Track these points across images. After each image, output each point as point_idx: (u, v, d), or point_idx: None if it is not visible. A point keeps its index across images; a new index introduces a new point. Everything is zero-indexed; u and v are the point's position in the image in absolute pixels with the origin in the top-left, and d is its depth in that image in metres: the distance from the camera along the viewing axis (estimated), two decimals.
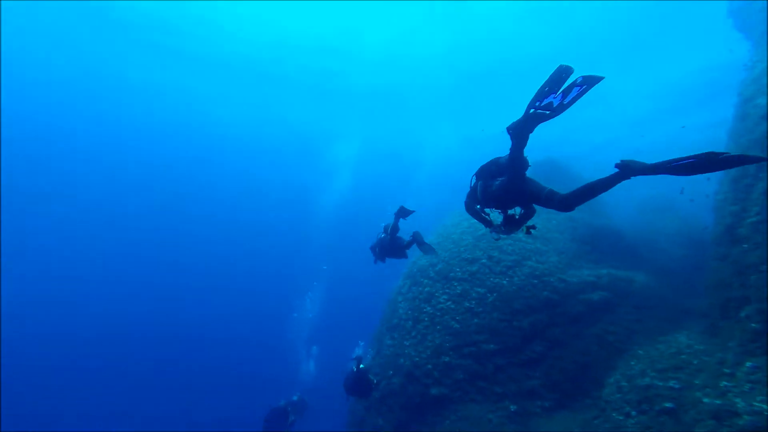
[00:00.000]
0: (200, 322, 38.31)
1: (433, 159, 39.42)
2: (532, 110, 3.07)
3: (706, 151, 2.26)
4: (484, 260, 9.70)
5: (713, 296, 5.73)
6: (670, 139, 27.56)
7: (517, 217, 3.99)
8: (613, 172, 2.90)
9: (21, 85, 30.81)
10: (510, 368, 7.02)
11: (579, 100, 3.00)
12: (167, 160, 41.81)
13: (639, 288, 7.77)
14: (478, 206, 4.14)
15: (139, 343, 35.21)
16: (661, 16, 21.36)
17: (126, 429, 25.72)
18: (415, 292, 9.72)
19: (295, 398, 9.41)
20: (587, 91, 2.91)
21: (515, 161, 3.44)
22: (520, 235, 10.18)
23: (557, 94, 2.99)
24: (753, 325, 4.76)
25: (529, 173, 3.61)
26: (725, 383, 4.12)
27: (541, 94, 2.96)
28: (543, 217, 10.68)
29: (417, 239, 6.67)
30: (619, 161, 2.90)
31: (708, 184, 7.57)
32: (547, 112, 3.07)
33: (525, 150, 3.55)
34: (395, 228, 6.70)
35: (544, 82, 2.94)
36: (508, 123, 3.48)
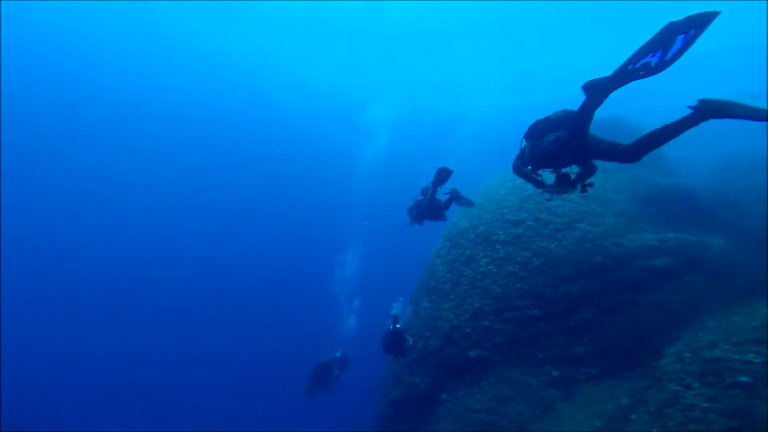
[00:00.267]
0: (244, 286, 39.61)
1: (477, 110, 37.22)
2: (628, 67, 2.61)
3: None
4: (530, 222, 9.14)
5: None
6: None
7: (573, 176, 3.63)
8: (688, 113, 2.47)
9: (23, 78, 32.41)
10: (554, 334, 6.73)
11: (686, 51, 2.41)
12: (203, 124, 43.28)
13: (715, 254, 6.83)
14: (528, 167, 3.86)
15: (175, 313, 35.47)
16: None
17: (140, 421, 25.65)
18: (455, 255, 9.52)
19: (338, 354, 9.99)
20: (697, 37, 2.26)
21: (582, 117, 3.08)
22: (572, 195, 9.37)
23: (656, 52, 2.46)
24: None
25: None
26: None
27: (641, 54, 2.45)
28: (600, 177, 9.52)
29: (454, 195, 6.42)
30: (696, 102, 2.42)
31: None
32: (641, 73, 2.58)
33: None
34: (434, 191, 6.45)
35: (647, 41, 2.41)
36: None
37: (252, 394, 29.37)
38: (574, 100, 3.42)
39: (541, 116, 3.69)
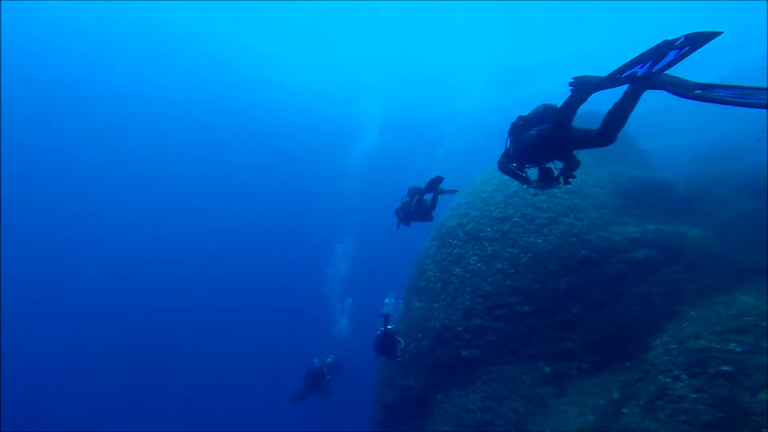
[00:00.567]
0: (231, 288, 39.10)
1: (465, 106, 37.52)
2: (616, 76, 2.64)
3: None
4: (516, 218, 9.22)
5: None
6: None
7: (556, 171, 3.74)
8: (628, 87, 2.68)
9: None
10: (545, 330, 6.83)
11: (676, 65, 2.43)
12: (191, 123, 42.25)
13: (692, 244, 7.08)
14: (513, 165, 3.93)
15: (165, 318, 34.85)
16: None
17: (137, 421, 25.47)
18: (444, 254, 9.53)
19: (330, 360, 9.92)
20: (691, 53, 2.29)
21: (566, 111, 3.16)
22: (556, 191, 9.50)
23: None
24: None
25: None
26: None
27: (631, 65, 2.46)
28: (581, 172, 9.75)
29: (437, 192, 6.44)
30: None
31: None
32: (627, 81, 2.66)
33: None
34: (421, 195, 6.46)
35: (640, 54, 2.41)
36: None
37: (248, 396, 29.18)
38: (559, 94, 3.47)
39: (524, 112, 3.76)
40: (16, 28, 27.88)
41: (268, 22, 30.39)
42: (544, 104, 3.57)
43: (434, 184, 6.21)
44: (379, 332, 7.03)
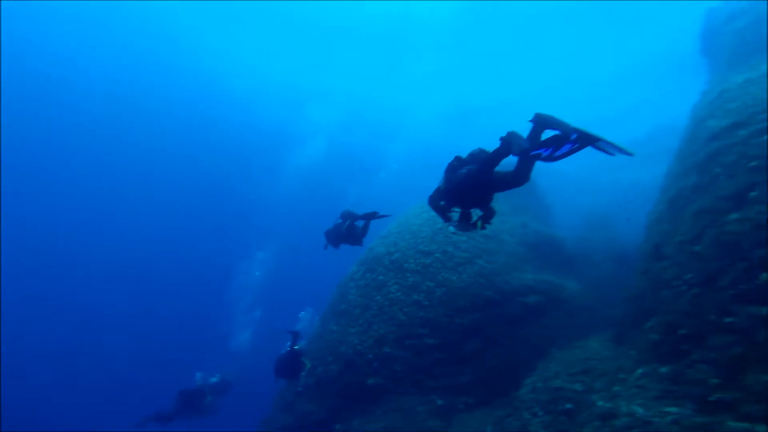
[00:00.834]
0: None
1: (414, 135, 39.01)
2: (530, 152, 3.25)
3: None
4: (438, 254, 9.98)
5: (628, 307, 6.35)
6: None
7: (474, 217, 4.20)
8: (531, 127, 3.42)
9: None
10: (446, 364, 7.45)
11: (569, 156, 3.17)
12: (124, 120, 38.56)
13: (570, 295, 8.45)
14: (442, 202, 4.28)
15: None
16: None
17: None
18: (368, 279, 9.90)
19: (214, 380, 9.35)
20: (579, 150, 3.04)
21: (494, 158, 3.66)
22: (474, 234, 10.56)
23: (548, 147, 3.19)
24: (653, 336, 5.37)
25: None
26: (617, 388, 4.67)
27: (538, 145, 3.13)
28: (498, 220, 11.08)
29: (370, 218, 6.74)
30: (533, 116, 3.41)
31: (645, 205, 8.18)
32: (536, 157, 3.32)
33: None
34: (353, 222, 6.74)
35: (544, 140, 3.12)
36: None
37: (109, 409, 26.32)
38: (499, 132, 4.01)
39: (464, 152, 4.18)
40: (16, 28, 26.49)
41: (225, 18, 29.55)
42: (480, 148, 4.03)
43: (370, 216, 6.54)
44: (284, 352, 6.86)
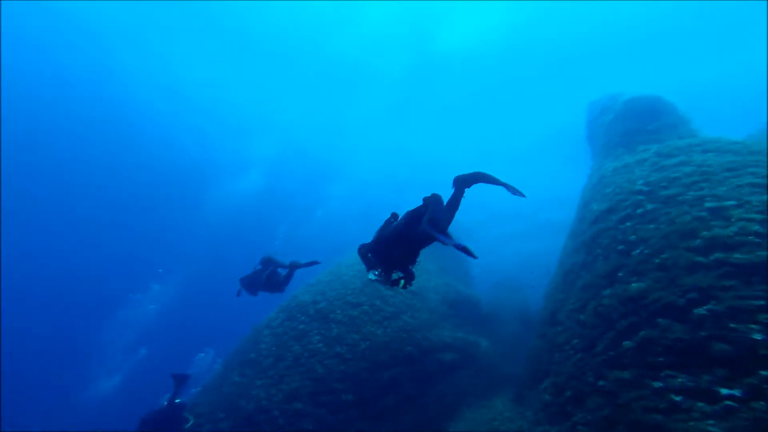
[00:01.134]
0: None
1: (355, 175, 39.33)
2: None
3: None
4: (366, 306, 9.98)
5: (527, 367, 7.01)
6: None
7: (394, 276, 4.44)
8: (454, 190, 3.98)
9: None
10: (360, 421, 7.14)
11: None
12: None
13: (482, 353, 9.02)
14: (370, 254, 4.44)
15: None
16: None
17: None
18: (287, 328, 9.35)
19: None
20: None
21: (416, 216, 4.03)
22: (401, 289, 10.86)
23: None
24: (546, 396, 5.96)
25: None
26: None
27: (442, 238, 3.55)
28: (424, 278, 11.75)
29: (294, 267, 6.57)
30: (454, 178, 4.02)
31: (548, 274, 9.43)
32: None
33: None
34: (275, 269, 6.51)
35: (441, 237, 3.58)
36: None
37: None
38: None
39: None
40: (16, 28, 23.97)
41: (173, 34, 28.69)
42: (412, 210, 4.32)
43: (294, 266, 6.41)
44: (161, 406, 5.74)
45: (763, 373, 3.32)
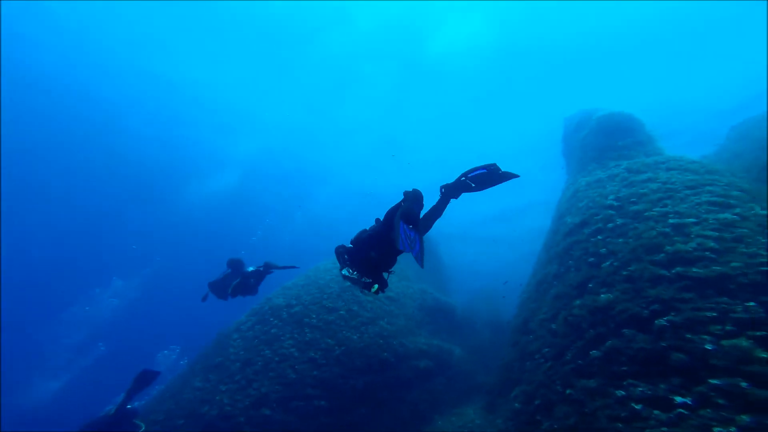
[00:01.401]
0: None
1: (340, 177, 38.85)
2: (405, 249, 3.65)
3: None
4: (343, 312, 9.85)
5: (499, 375, 7.08)
6: None
7: (365, 280, 4.39)
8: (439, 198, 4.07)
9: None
10: (332, 428, 6.96)
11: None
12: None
13: (455, 361, 9.05)
14: (346, 256, 4.41)
15: None
16: None
17: None
18: (258, 332, 9.08)
19: None
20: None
21: (389, 224, 3.98)
22: (380, 294, 10.81)
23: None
24: (516, 404, 6.02)
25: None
26: None
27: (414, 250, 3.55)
28: (403, 284, 11.75)
29: (268, 268, 6.40)
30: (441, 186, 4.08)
31: (521, 285, 9.63)
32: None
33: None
34: (246, 275, 6.33)
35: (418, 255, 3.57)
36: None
37: None
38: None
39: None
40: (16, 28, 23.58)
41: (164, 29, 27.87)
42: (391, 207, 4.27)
43: (269, 267, 6.24)
44: (107, 412, 5.30)
45: (712, 381, 3.48)
